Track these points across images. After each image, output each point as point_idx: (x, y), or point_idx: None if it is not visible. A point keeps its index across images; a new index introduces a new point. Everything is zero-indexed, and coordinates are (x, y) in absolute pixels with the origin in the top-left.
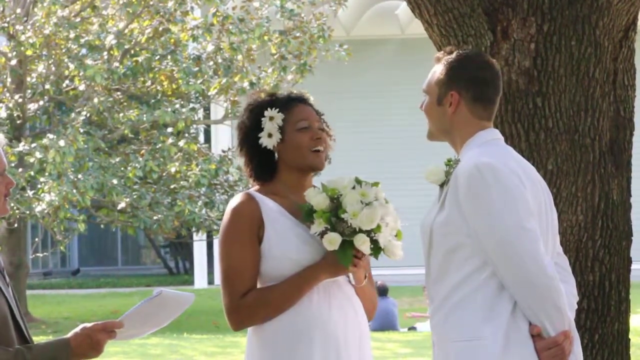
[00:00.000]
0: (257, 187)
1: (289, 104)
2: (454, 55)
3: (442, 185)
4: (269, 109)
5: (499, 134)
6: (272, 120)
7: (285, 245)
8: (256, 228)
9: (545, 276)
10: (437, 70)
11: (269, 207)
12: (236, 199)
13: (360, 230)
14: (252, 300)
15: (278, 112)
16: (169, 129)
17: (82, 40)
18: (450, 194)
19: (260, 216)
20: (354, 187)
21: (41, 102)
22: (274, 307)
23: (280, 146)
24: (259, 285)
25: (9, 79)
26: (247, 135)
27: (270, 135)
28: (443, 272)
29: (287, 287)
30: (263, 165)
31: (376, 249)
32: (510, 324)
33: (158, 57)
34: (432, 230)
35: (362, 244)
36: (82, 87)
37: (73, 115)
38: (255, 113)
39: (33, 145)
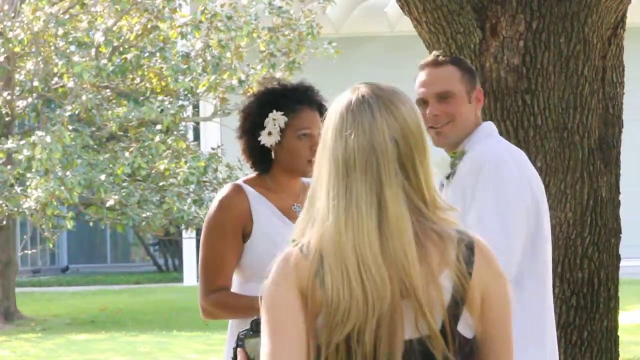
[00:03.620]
0: (248, 177)
1: (296, 107)
2: (455, 57)
3: (447, 177)
4: (274, 110)
5: (494, 126)
6: (275, 121)
7: (271, 244)
8: (242, 222)
9: None
10: (450, 70)
11: (259, 202)
12: (225, 190)
13: None
14: (217, 300)
15: (282, 114)
16: (158, 127)
17: (71, 37)
18: (463, 180)
19: (249, 211)
20: None
21: (30, 99)
22: (234, 314)
23: (278, 147)
24: (239, 276)
25: None
26: (249, 126)
27: (270, 134)
28: None
29: (248, 302)
30: (258, 159)
31: None
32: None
33: (147, 54)
34: None
35: None
36: (70, 85)
37: (58, 111)
38: (261, 107)
39: (22, 142)
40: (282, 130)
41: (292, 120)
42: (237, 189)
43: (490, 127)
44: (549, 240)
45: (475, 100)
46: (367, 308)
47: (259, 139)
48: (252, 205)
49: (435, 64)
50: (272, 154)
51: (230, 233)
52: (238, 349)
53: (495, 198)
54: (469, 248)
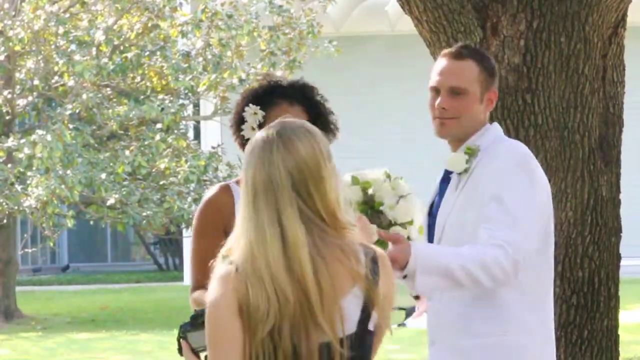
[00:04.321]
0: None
1: (275, 101)
2: (480, 52)
3: (459, 173)
4: (250, 104)
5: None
6: (254, 115)
7: None
8: (226, 221)
9: None
10: (470, 66)
11: None
12: (212, 190)
13: (395, 223)
14: (195, 298)
15: (260, 108)
16: (158, 125)
17: (71, 36)
18: (487, 174)
19: (233, 209)
20: (384, 181)
21: (30, 98)
22: None
23: None
24: None
25: None
26: (234, 120)
27: (253, 129)
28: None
29: None
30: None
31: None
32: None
33: (147, 53)
34: (447, 220)
35: None
36: (71, 83)
37: (59, 110)
38: (246, 101)
39: (22, 140)
40: (260, 125)
41: (268, 115)
42: (224, 189)
43: (499, 127)
44: (553, 239)
45: (487, 100)
46: (280, 312)
47: (241, 133)
48: (237, 204)
49: (457, 55)
50: None
51: (213, 232)
52: (182, 341)
53: (533, 193)
54: (374, 261)
